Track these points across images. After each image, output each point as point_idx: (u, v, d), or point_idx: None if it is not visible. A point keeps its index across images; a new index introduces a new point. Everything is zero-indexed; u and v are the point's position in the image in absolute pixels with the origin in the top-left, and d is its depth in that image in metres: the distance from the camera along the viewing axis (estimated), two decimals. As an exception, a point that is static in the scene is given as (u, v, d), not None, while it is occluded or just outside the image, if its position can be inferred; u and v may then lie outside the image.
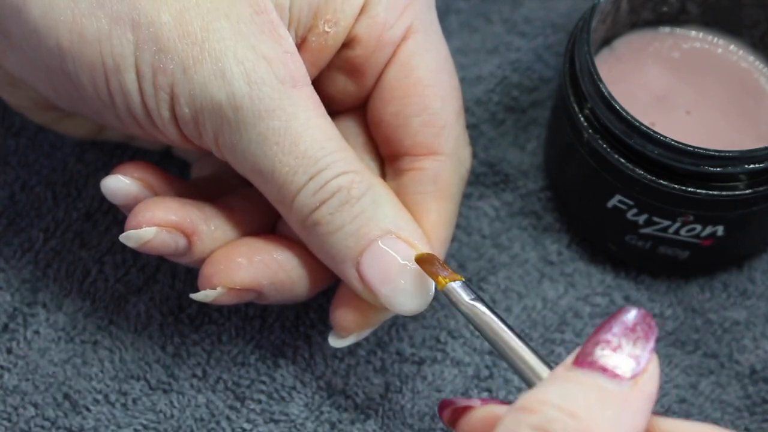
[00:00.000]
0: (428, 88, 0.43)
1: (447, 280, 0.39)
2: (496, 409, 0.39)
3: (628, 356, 0.34)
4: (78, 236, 0.49)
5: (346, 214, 0.40)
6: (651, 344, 0.34)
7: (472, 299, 0.38)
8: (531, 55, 0.54)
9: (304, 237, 0.41)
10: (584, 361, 0.34)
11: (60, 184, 0.50)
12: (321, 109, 0.40)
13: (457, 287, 0.39)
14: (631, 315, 0.34)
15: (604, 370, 0.33)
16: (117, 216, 0.49)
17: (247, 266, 0.41)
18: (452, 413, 0.40)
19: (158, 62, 0.38)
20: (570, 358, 0.34)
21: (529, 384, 0.36)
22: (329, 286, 0.44)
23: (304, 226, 0.40)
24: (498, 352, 0.37)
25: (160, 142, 0.42)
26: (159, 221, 0.40)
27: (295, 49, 0.40)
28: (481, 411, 0.39)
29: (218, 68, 0.38)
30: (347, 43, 0.42)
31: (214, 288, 0.41)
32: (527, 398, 0.33)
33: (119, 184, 0.41)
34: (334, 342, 0.43)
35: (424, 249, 0.40)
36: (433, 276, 0.39)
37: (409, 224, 0.41)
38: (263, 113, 0.38)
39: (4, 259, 0.48)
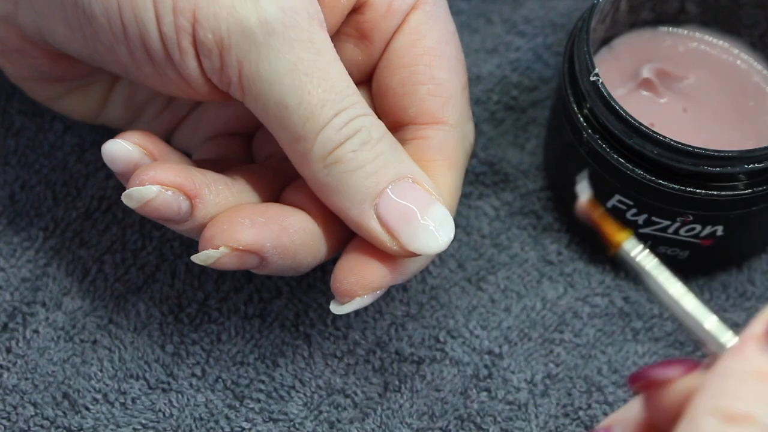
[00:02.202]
0: (436, 58, 0.43)
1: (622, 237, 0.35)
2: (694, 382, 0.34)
3: None
4: (77, 235, 0.49)
5: (368, 153, 0.39)
6: None
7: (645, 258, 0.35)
8: (530, 55, 0.54)
9: (320, 179, 0.40)
10: None
11: (60, 183, 0.50)
12: (338, 56, 0.40)
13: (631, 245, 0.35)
14: None
15: None
16: (116, 215, 0.49)
17: (250, 227, 0.40)
18: (646, 386, 0.35)
19: None
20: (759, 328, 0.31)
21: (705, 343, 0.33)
22: (333, 256, 0.43)
23: (324, 164, 0.39)
24: (674, 314, 0.34)
25: (171, 90, 0.41)
26: (162, 180, 0.39)
27: None
28: (681, 387, 0.34)
29: None
30: (358, 8, 0.42)
31: (216, 248, 0.40)
32: (722, 394, 0.30)
33: (120, 148, 0.40)
34: (336, 309, 0.41)
35: (438, 197, 0.40)
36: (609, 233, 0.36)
37: (422, 172, 0.41)
38: (294, 42, 0.38)
39: (4, 258, 0.48)
